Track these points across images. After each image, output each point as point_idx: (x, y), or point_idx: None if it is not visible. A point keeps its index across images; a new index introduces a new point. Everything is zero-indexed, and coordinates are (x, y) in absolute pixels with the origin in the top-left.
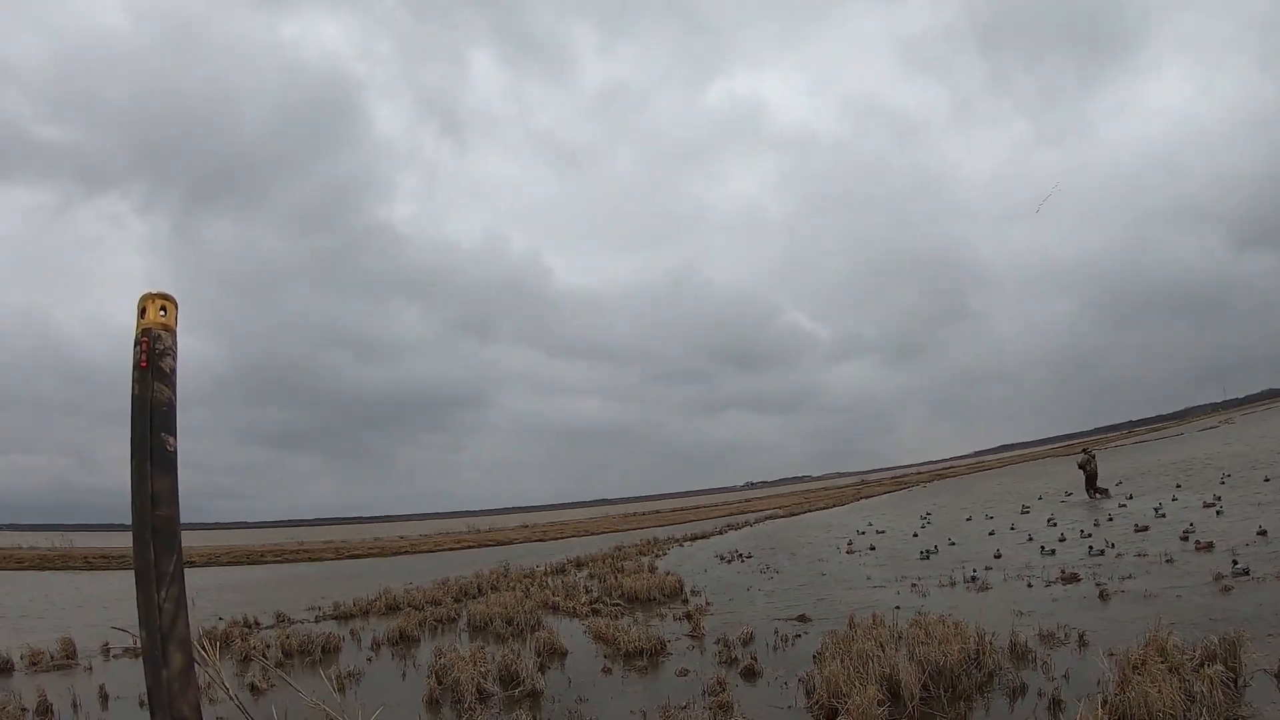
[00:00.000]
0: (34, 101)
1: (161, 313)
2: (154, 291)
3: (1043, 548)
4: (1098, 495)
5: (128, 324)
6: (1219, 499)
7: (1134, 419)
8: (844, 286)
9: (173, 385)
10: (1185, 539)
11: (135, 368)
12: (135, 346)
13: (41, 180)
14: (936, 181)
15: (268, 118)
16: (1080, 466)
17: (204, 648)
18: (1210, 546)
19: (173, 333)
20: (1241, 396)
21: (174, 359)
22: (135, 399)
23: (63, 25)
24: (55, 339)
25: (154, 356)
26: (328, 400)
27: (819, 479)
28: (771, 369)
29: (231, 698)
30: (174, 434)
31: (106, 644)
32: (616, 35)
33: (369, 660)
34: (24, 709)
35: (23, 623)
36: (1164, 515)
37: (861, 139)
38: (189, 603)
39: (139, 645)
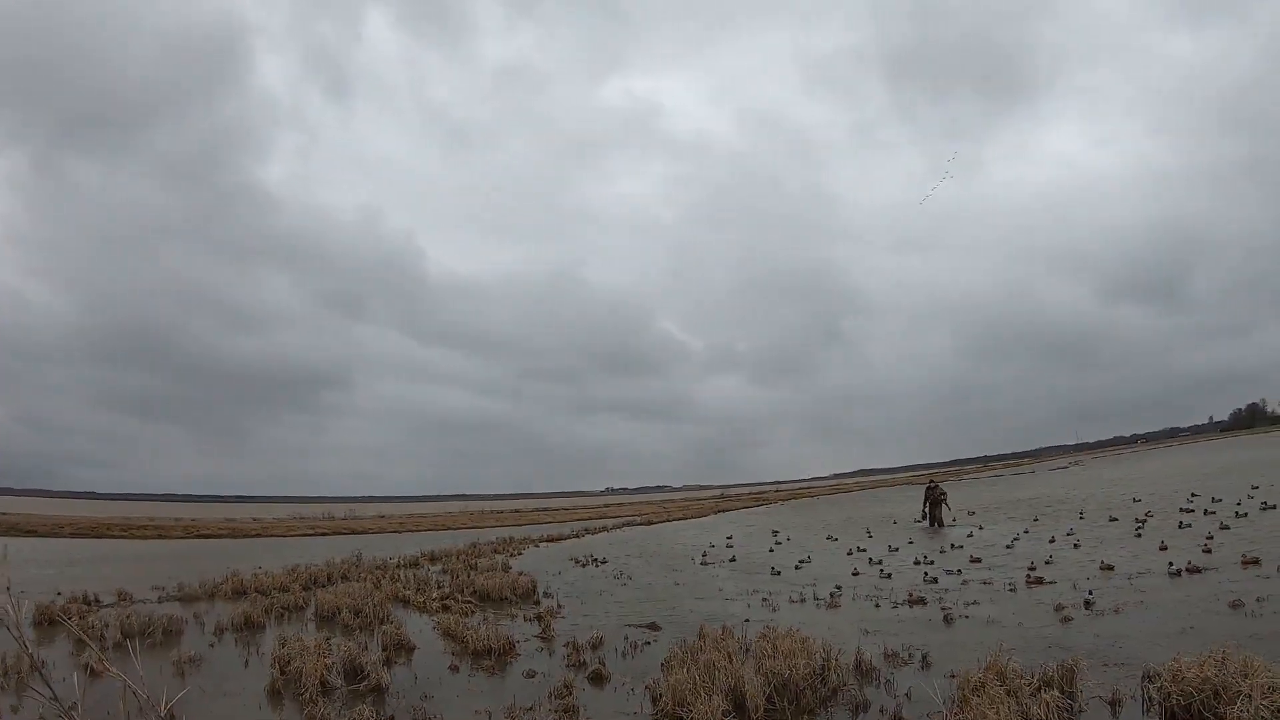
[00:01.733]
0: None
1: None
2: None
3: (882, 570)
4: (939, 525)
5: None
6: (1072, 533)
7: (990, 454)
8: (723, 299)
9: None
10: (1032, 569)
11: None
12: None
13: None
14: (828, 203)
15: (150, 54)
16: (929, 498)
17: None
18: (1053, 579)
19: None
20: (1092, 441)
21: None
22: None
23: None
24: None
25: None
26: (189, 368)
27: (679, 490)
28: (643, 376)
29: None
30: None
31: None
32: (521, 13)
33: (211, 646)
34: None
35: None
36: (1012, 547)
37: (757, 153)
38: None
39: None
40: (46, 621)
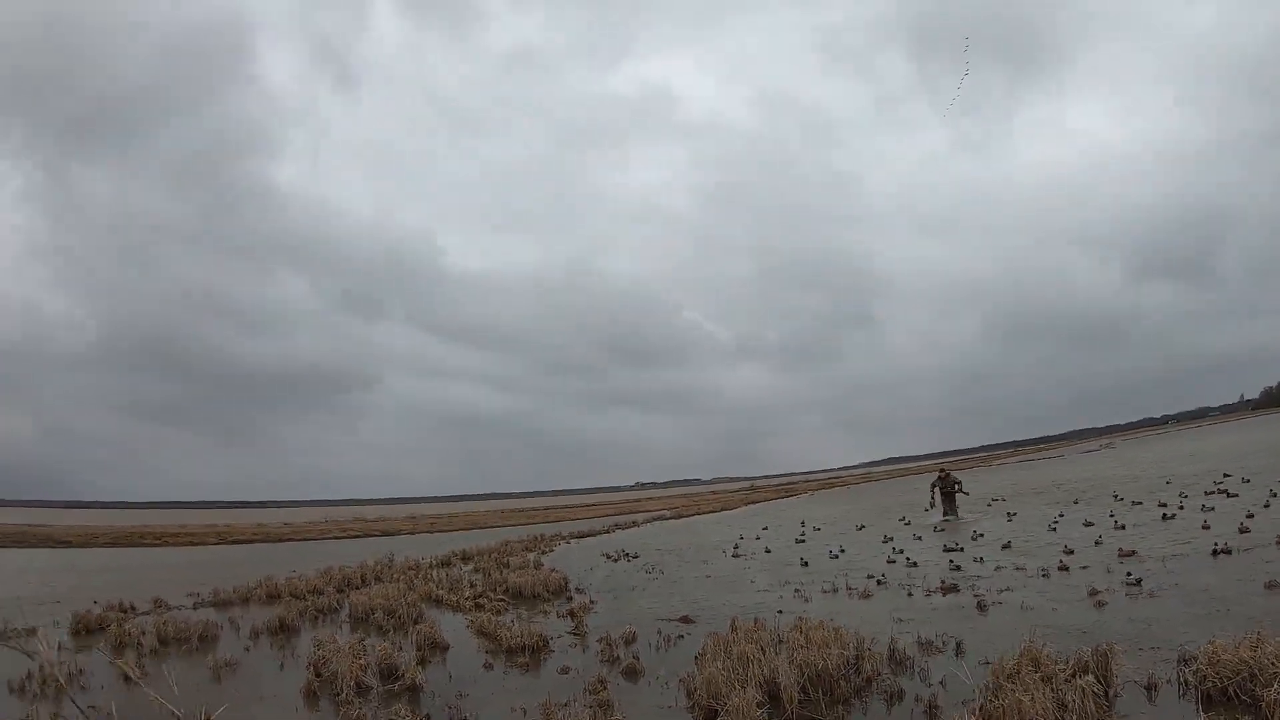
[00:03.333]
0: None
1: None
2: None
3: (911, 559)
4: (955, 516)
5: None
6: (1106, 516)
7: (1019, 439)
8: (746, 285)
9: None
10: (1067, 553)
11: None
12: None
13: None
14: (849, 184)
15: (153, 55)
16: (941, 487)
17: None
18: (1087, 563)
19: None
20: (1122, 423)
21: None
22: None
23: None
24: None
25: None
26: (209, 373)
27: (709, 482)
28: (665, 367)
29: None
30: None
31: None
32: None
33: (247, 650)
34: None
35: None
36: (1046, 532)
37: (775, 134)
38: None
39: None
40: (84, 630)
